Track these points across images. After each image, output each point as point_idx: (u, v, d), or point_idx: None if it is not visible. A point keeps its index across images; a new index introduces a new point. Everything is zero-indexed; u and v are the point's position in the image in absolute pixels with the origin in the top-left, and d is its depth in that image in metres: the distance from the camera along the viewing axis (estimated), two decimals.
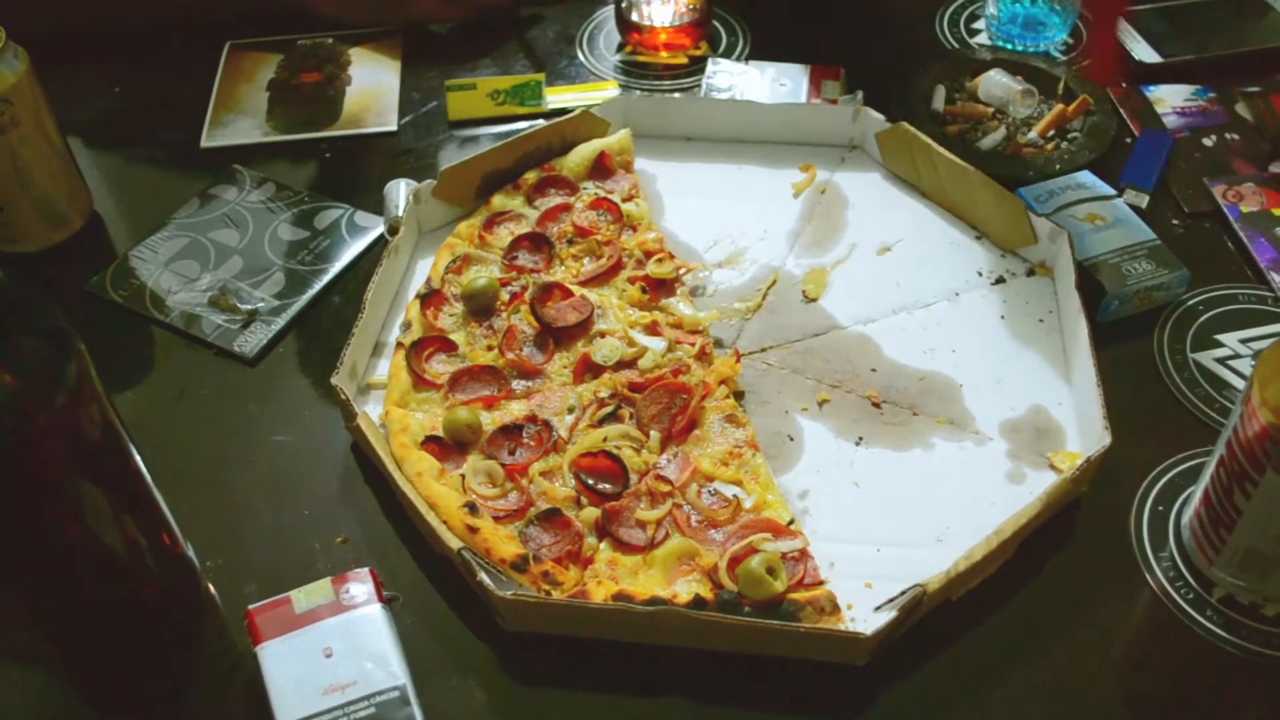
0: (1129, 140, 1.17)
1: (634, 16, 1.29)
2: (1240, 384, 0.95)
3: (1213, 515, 0.80)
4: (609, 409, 0.91)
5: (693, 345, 0.96)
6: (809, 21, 1.36)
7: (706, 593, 0.79)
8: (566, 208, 1.08)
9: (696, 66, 1.29)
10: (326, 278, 1.06)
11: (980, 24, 1.35)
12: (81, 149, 1.18)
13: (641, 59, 1.31)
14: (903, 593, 0.77)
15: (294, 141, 1.21)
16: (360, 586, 0.77)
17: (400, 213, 1.05)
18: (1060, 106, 1.17)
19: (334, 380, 0.90)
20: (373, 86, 1.27)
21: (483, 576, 0.78)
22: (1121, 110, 1.21)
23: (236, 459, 0.93)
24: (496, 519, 0.84)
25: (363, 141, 1.22)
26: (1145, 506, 0.88)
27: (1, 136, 0.99)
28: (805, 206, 1.11)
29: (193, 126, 1.22)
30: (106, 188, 1.16)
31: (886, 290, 1.03)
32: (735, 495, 0.86)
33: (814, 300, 1.03)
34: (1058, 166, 1.11)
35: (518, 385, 0.94)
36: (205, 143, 1.21)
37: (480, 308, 0.99)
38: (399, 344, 0.96)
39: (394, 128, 1.22)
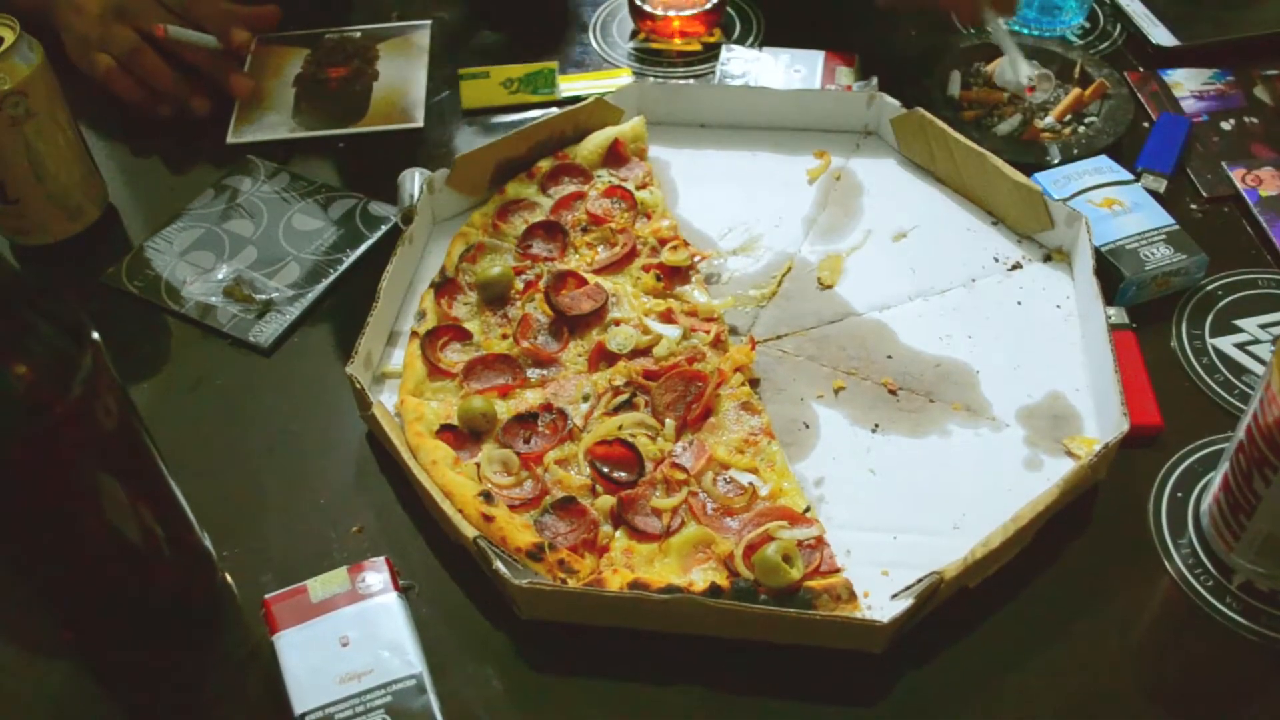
0: (1146, 124, 1.16)
1: (646, 6, 1.28)
2: (1260, 369, 0.94)
3: (1232, 501, 0.80)
4: (624, 397, 0.91)
5: (708, 333, 0.96)
6: (823, 7, 1.35)
7: (722, 581, 0.79)
8: (580, 196, 1.07)
9: (710, 53, 1.28)
10: (341, 267, 1.06)
11: None
12: (97, 141, 1.18)
13: (655, 46, 1.30)
14: (919, 580, 0.77)
15: (320, 138, 1.21)
16: (376, 575, 0.77)
17: (414, 202, 1.05)
18: (1077, 91, 1.17)
19: (349, 369, 0.90)
20: (399, 82, 1.27)
21: (498, 565, 0.78)
22: (1139, 94, 1.20)
23: (252, 448, 0.93)
24: (512, 507, 0.84)
25: (383, 133, 1.21)
26: (1164, 493, 0.87)
27: (16, 128, 0.99)
28: (820, 193, 1.11)
29: (214, 117, 1.22)
30: (122, 179, 1.17)
31: (902, 277, 1.03)
32: (751, 483, 0.86)
33: (829, 287, 1.02)
34: (1075, 151, 1.10)
35: (532, 374, 0.94)
36: (231, 139, 1.21)
37: (494, 296, 0.99)
38: (413, 333, 0.96)
39: (420, 124, 1.22)
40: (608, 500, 0.84)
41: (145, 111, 1.20)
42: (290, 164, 1.17)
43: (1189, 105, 1.19)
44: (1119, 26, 1.30)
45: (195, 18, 1.21)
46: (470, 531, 0.81)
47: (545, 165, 1.10)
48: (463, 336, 0.97)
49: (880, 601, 0.79)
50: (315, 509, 0.88)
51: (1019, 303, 1.00)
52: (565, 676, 0.79)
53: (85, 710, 0.80)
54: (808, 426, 0.92)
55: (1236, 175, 1.10)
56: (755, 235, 1.07)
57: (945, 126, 1.08)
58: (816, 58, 1.24)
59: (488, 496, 0.83)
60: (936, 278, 1.02)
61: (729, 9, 1.34)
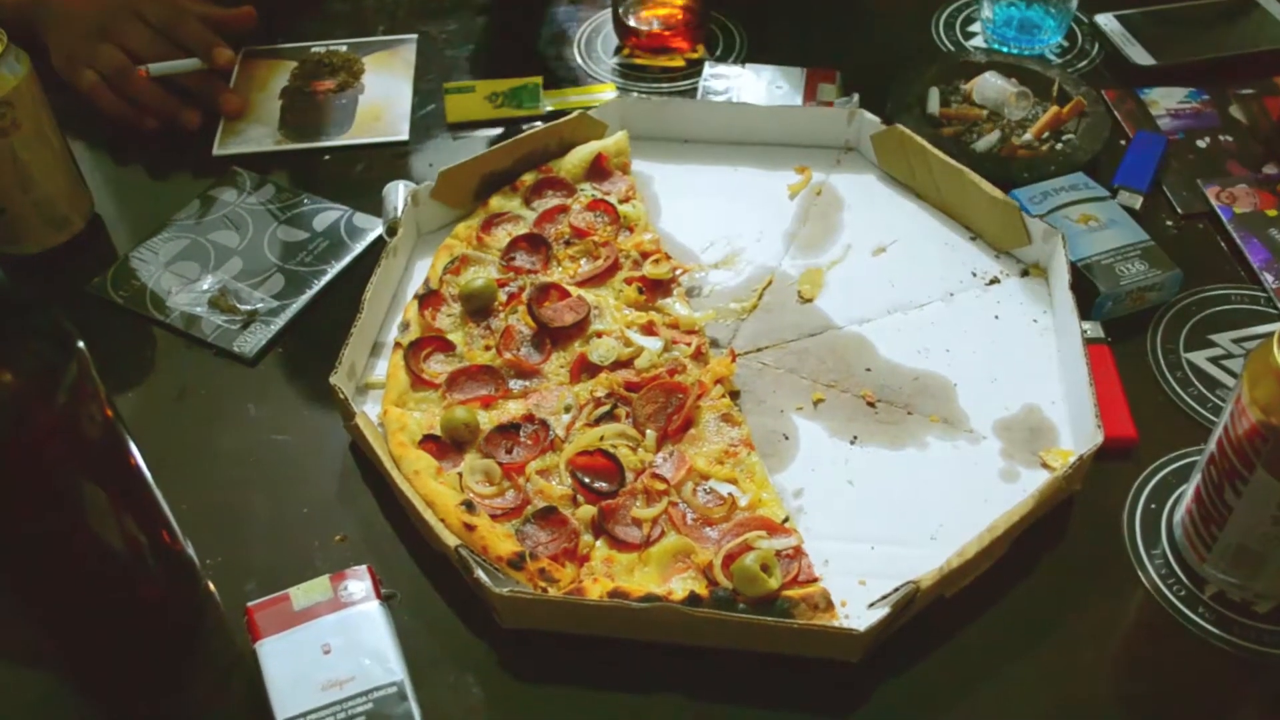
0: (1123, 142, 1.18)
1: (630, 20, 1.30)
2: (1232, 383, 0.95)
3: (1204, 513, 0.81)
4: (605, 408, 0.92)
5: (689, 345, 0.97)
6: (805, 24, 1.36)
7: (702, 590, 0.80)
8: (564, 209, 1.08)
9: (693, 69, 1.29)
10: (325, 279, 1.07)
11: (976, 27, 1.35)
12: (83, 151, 1.19)
13: (639, 62, 1.31)
14: (896, 590, 0.78)
15: (305, 150, 1.22)
16: (358, 584, 0.77)
17: (399, 214, 1.06)
18: (1055, 108, 1.18)
19: (333, 380, 0.90)
20: (385, 96, 1.28)
21: (480, 574, 0.79)
22: (1116, 112, 1.21)
23: (236, 458, 0.93)
24: (494, 517, 0.84)
25: (368, 146, 1.22)
26: (1138, 504, 0.88)
27: (3, 139, 1.00)
28: (801, 208, 1.12)
29: (200, 129, 1.22)
30: (107, 190, 1.17)
31: (881, 291, 1.04)
32: (730, 493, 0.87)
33: (809, 301, 1.03)
34: (1052, 168, 1.11)
35: (515, 385, 0.95)
36: (217, 151, 1.21)
37: (478, 308, 1.00)
38: (397, 344, 0.97)
39: (405, 137, 1.23)
40: (589, 510, 0.85)
41: (131, 125, 1.21)
42: (276, 175, 1.18)
43: (1165, 123, 1.20)
44: (1097, 45, 1.32)
45: (176, 38, 1.21)
46: (452, 540, 0.81)
47: (529, 179, 1.11)
48: (446, 347, 0.98)
49: (857, 611, 0.80)
50: (298, 518, 0.89)
51: (996, 317, 1.01)
52: (545, 685, 0.80)
53: (68, 719, 0.80)
54: (787, 438, 0.93)
55: (1211, 193, 1.12)
56: (736, 249, 1.08)
57: (924, 143, 1.09)
58: (798, 74, 1.25)
59: (469, 506, 0.84)
60: (915, 292, 1.04)
61: (712, 26, 1.35)
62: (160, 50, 1.20)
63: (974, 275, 1.05)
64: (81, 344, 0.68)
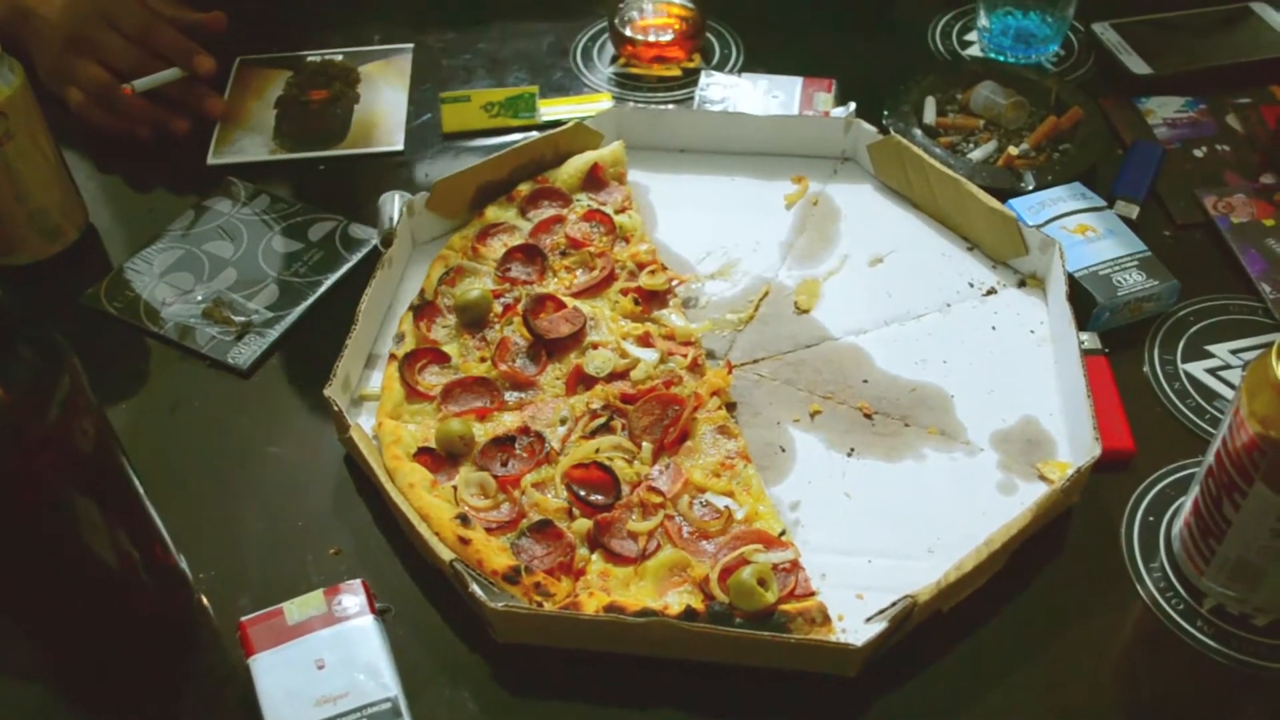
0: (1120, 152, 1.18)
1: (627, 30, 1.29)
2: (1230, 394, 0.95)
3: (1203, 526, 0.80)
4: (601, 420, 0.92)
5: (685, 356, 0.97)
6: (802, 34, 1.36)
7: (698, 604, 0.79)
8: (559, 219, 1.08)
9: (690, 79, 1.29)
10: (320, 290, 1.06)
11: (972, 36, 1.35)
12: (77, 161, 1.18)
13: (635, 71, 1.31)
14: (893, 604, 0.77)
15: (300, 160, 1.21)
16: (352, 598, 0.77)
17: (394, 225, 1.06)
18: (1052, 118, 1.18)
19: (327, 392, 0.90)
20: (380, 106, 1.27)
21: (475, 588, 0.78)
22: (1113, 122, 1.21)
23: (230, 471, 0.93)
24: (488, 530, 0.84)
25: (363, 156, 1.22)
26: (1136, 517, 0.88)
27: None
28: (797, 218, 1.12)
29: (195, 139, 1.22)
30: (102, 200, 1.17)
31: (878, 301, 1.04)
32: (727, 506, 0.86)
33: (806, 311, 1.03)
34: (1049, 178, 1.11)
35: (510, 397, 0.95)
36: (212, 160, 1.21)
37: (473, 319, 0.99)
38: (392, 355, 0.97)
39: (400, 147, 1.22)
40: (584, 523, 0.85)
41: (123, 136, 1.20)
42: (270, 186, 1.17)
43: (1162, 133, 1.20)
44: (1093, 55, 1.31)
45: (153, 46, 1.20)
46: (447, 554, 0.81)
47: (525, 189, 1.11)
48: (441, 359, 0.97)
49: (855, 625, 0.80)
50: (292, 531, 0.88)
51: (993, 328, 1.01)
52: (541, 700, 0.79)
53: None
54: (784, 450, 0.92)
55: (1208, 202, 1.11)
56: (733, 260, 1.08)
57: (921, 152, 1.09)
58: (794, 83, 1.25)
59: (464, 519, 0.83)
60: (912, 303, 1.03)
61: (708, 35, 1.35)
62: (138, 60, 1.19)
63: (971, 286, 1.04)
64: (74, 356, 0.68)
